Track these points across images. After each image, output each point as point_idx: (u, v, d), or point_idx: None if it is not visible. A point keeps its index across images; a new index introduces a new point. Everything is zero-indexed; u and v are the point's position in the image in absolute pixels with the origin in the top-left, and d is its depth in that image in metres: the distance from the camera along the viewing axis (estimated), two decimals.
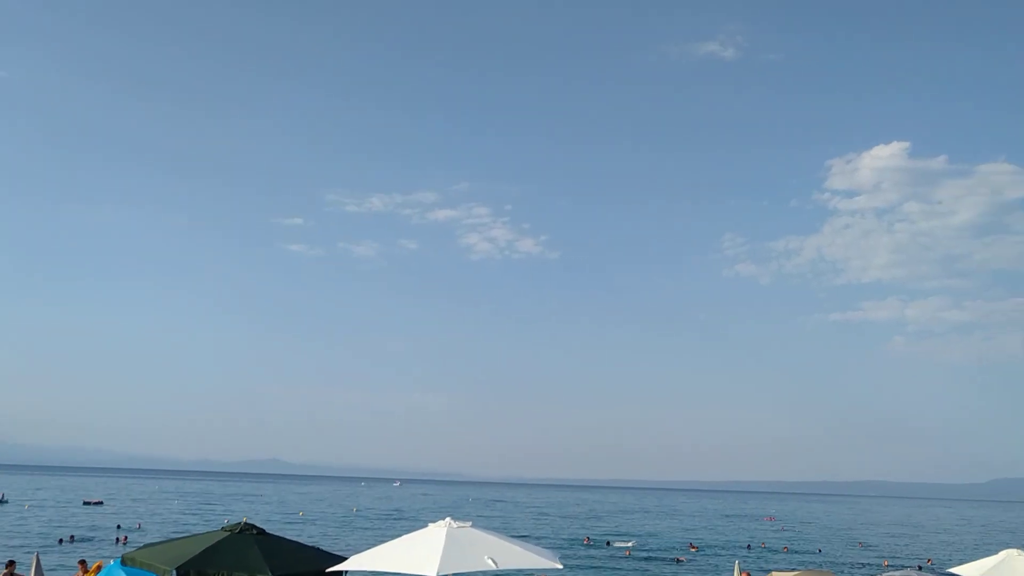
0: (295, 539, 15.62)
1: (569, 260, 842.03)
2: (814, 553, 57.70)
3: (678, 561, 49.31)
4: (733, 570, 30.62)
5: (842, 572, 44.36)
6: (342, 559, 13.23)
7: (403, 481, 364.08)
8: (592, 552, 53.04)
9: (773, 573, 21.80)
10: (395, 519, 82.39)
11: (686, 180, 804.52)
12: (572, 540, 61.95)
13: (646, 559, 50.13)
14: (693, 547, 58.55)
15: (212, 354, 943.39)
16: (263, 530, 14.04)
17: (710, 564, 48.00)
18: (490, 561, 10.62)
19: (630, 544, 58.01)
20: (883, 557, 54.31)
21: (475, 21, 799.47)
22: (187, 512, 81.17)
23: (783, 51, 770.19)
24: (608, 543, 59.19)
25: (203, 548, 12.99)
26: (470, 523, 11.78)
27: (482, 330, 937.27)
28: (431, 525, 11.79)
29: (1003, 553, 19.94)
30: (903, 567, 26.03)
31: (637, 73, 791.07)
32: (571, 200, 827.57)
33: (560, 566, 11.68)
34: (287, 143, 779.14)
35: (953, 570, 21.59)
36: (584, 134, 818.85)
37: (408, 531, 12.79)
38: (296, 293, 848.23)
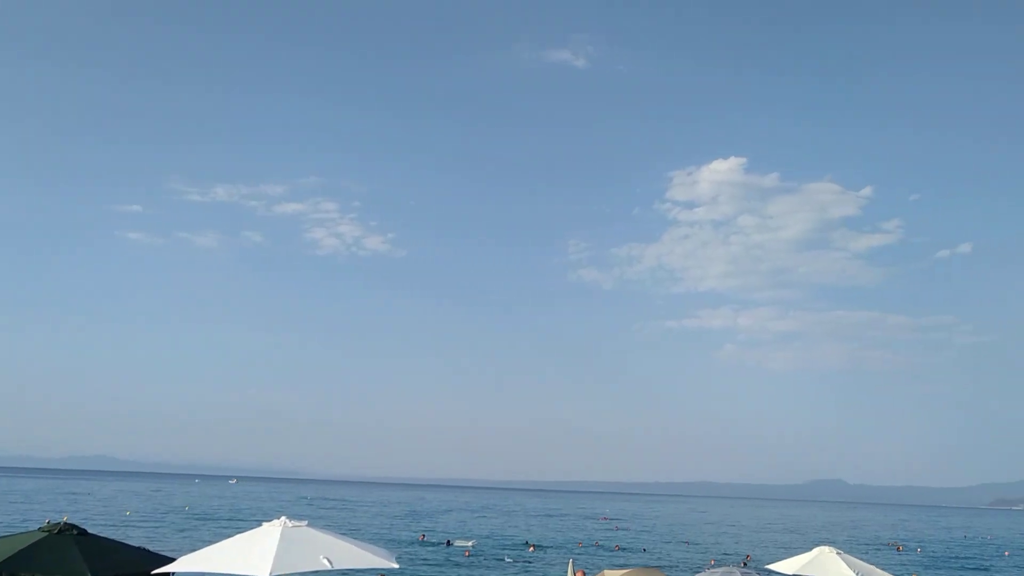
0: (120, 539, 14.94)
1: (415, 258, 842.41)
2: (641, 552, 59.76)
3: (515, 561, 50.06)
4: (567, 568, 31.40)
5: (670, 570, 46.17)
6: (170, 560, 12.73)
7: (240, 479, 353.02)
8: (431, 552, 53.10)
9: (605, 571, 22.49)
10: (229, 518, 79.76)
11: (535, 178, 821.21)
12: (410, 539, 61.84)
13: (485, 558, 50.63)
14: (531, 547, 59.54)
15: (38, 342, 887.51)
16: (84, 530, 13.34)
17: (546, 563, 48.99)
18: (325, 561, 10.48)
19: (470, 544, 58.38)
20: (709, 555, 56.88)
21: (326, 13, 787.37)
22: (1, 512, 75.91)
23: (632, 64, 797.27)
24: (448, 542, 59.39)
25: (17, 550, 12.19)
26: (306, 522, 11.58)
27: (327, 324, 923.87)
28: (265, 524, 11.53)
29: (816, 550, 21.33)
30: (725, 565, 27.41)
31: (487, 73, 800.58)
32: (418, 197, 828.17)
33: (396, 566, 11.64)
34: (127, 128, 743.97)
35: (770, 566, 22.92)
36: (433, 128, 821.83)
37: (241, 530, 12.46)
38: (134, 281, 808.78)
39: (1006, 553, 74.93)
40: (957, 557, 69.76)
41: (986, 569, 60.24)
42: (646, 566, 45.66)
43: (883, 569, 20.91)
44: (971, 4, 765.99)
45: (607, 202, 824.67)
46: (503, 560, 50.14)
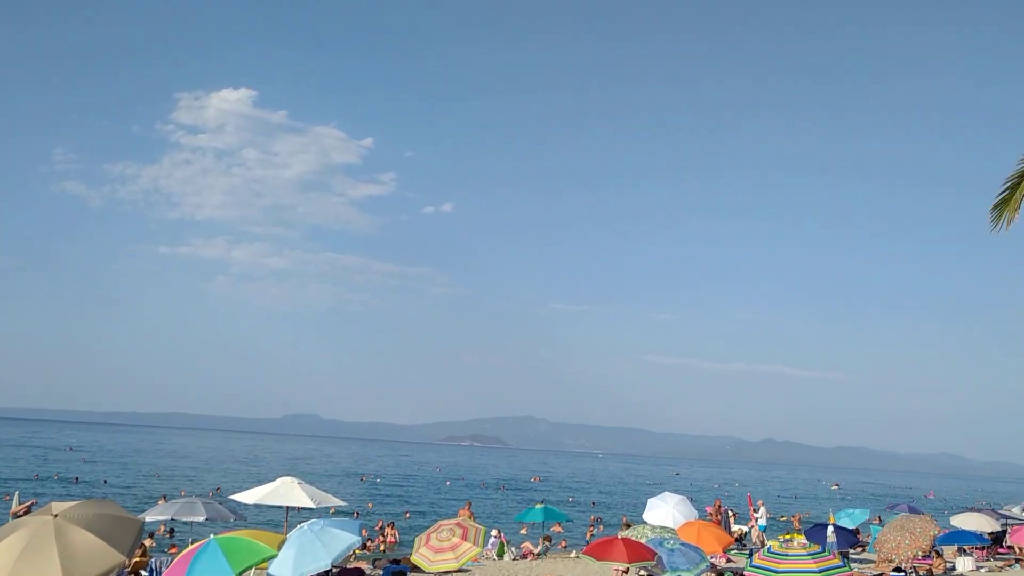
0: None
1: None
2: (103, 485, 57.24)
3: None
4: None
5: (133, 503, 44.87)
6: None
7: None
8: None
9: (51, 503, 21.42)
10: None
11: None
12: None
13: None
14: None
15: None
16: None
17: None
18: None
19: None
20: (179, 487, 56.29)
21: None
22: None
23: None
24: None
25: None
26: None
27: None
28: None
29: (279, 480, 22.66)
30: (197, 495, 27.64)
31: None
32: None
33: None
34: None
35: (234, 496, 23.77)
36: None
37: None
38: None
39: (447, 483, 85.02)
40: (405, 480, 77.54)
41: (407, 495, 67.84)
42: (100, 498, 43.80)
43: (338, 498, 22.93)
44: None
45: (105, 113, 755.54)
46: None
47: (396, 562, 21.63)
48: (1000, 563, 32.22)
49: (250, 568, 15.06)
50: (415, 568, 21.27)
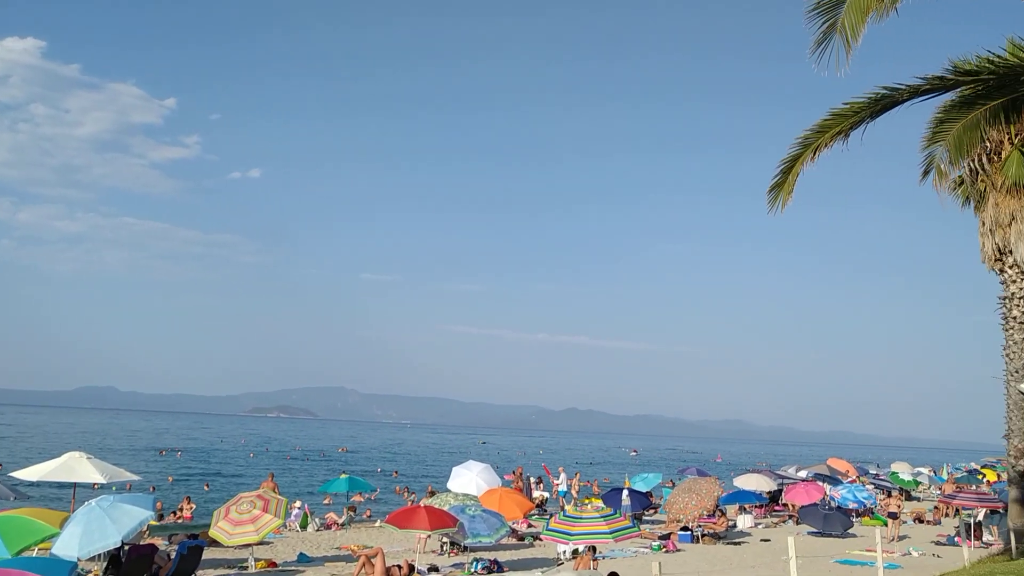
0: None
1: None
2: None
3: None
4: None
5: None
6: None
7: None
8: None
9: None
10: None
11: None
12: None
13: None
14: None
15: None
16: None
17: None
18: None
19: None
20: None
21: None
22: None
23: None
24: None
25: None
26: None
27: None
28: None
29: (66, 455, 21.53)
30: None
31: None
32: None
33: None
34: None
35: (14, 474, 22.38)
36: None
37: None
38: None
39: (251, 455, 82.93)
40: (207, 453, 75.02)
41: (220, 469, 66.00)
42: None
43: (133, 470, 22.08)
44: None
45: None
46: None
47: (194, 536, 21.03)
48: (775, 519, 35.19)
49: (29, 548, 14.33)
50: (214, 542, 20.81)
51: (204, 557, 19.03)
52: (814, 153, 10.97)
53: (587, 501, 34.89)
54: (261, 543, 21.75)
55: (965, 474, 57.13)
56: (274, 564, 20.87)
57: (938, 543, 27.53)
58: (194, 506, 31.40)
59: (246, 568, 20.16)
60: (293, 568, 20.85)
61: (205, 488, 44.13)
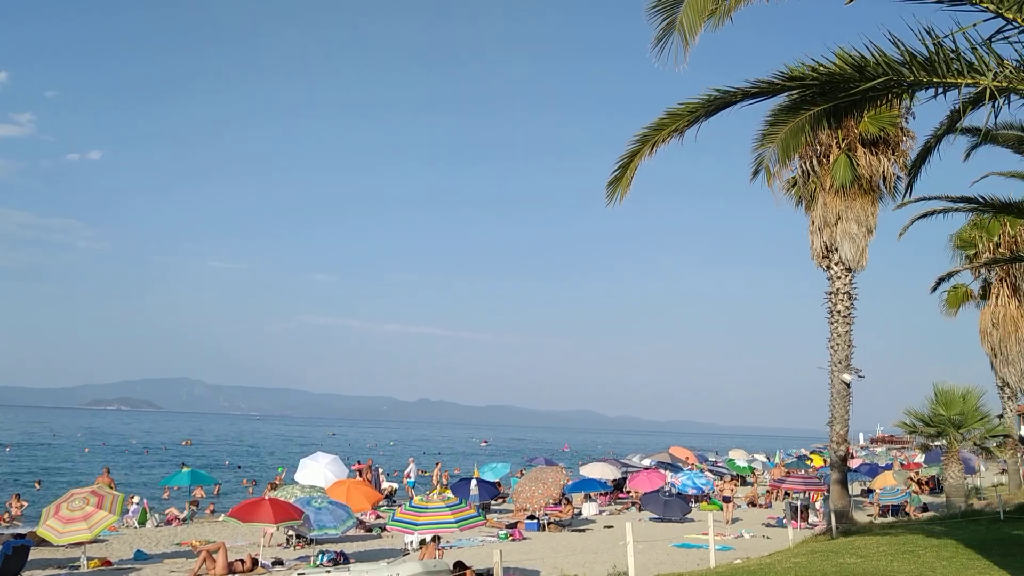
0: None
1: None
2: None
3: None
4: None
5: None
6: None
7: None
8: None
9: None
10: None
11: None
12: None
13: None
14: None
15: None
16: None
17: None
18: None
19: None
20: None
21: None
22: None
23: None
24: None
25: None
26: None
27: None
28: None
29: None
30: None
31: None
32: None
33: None
34: None
35: None
36: None
37: None
38: None
39: (86, 450, 79.11)
40: (38, 449, 71.07)
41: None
42: None
43: None
44: None
45: None
46: None
47: (20, 536, 20.02)
48: (619, 506, 36.50)
49: None
50: (43, 542, 19.90)
51: (32, 557, 18.20)
52: (651, 149, 11.42)
53: (436, 490, 35.22)
54: (95, 541, 20.95)
55: (795, 460, 60.87)
56: (108, 563, 20.14)
57: (768, 525, 29.34)
58: (25, 504, 29.90)
59: (78, 568, 19.39)
60: (129, 566, 20.17)
61: (36, 486, 41.87)
